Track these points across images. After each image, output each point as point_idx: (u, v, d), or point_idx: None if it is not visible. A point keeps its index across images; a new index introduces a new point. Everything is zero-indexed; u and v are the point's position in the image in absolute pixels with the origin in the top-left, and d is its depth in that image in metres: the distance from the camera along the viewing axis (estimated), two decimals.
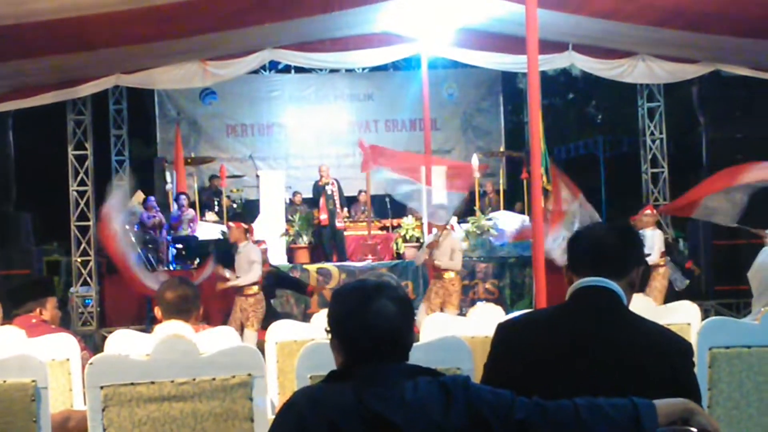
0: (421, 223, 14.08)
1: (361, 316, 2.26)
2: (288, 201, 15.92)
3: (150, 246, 14.46)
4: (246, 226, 10.92)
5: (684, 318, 4.90)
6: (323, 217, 14.55)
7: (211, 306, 11.82)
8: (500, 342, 2.75)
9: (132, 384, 3.54)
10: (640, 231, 12.75)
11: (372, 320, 2.25)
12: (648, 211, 12.47)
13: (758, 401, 3.68)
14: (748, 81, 14.16)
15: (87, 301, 14.19)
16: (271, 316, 10.36)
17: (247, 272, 10.34)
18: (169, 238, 14.73)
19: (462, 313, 9.99)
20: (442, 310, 10.28)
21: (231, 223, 11.11)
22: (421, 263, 12.18)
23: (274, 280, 11.89)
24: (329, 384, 2.26)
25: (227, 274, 10.55)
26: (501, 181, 17.87)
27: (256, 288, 10.42)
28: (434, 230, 11.20)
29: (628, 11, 11.36)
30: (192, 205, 15.34)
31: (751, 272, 4.17)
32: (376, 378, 2.20)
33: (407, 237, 14.54)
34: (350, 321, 2.28)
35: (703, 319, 4.26)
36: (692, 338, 3.94)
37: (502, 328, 2.79)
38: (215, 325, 5.09)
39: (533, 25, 7.51)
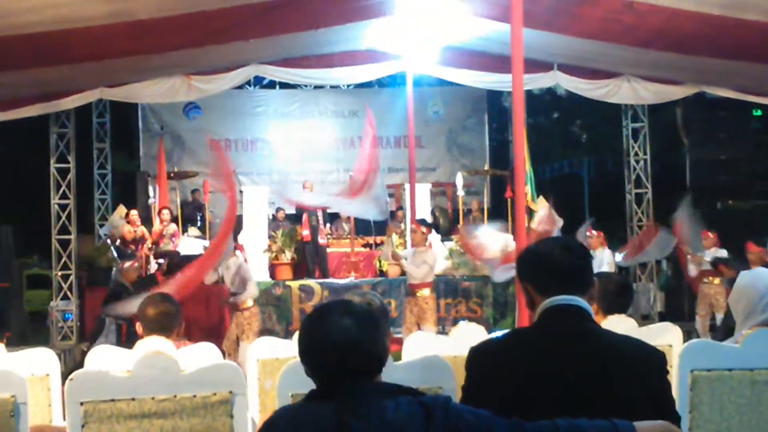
0: (405, 241, 14.06)
1: (312, 334, 2.26)
2: (271, 217, 15.86)
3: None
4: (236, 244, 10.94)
5: (666, 340, 4.88)
6: (306, 233, 14.47)
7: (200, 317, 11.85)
8: (475, 366, 2.71)
9: (112, 400, 3.51)
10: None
11: (323, 336, 2.22)
12: (588, 233, 12.57)
13: (739, 424, 3.68)
14: (732, 103, 14.26)
15: (67, 315, 14.09)
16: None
17: (244, 290, 10.37)
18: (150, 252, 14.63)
19: (443, 332, 9.98)
20: (418, 327, 10.20)
21: None
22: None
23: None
24: (310, 403, 2.24)
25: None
26: (485, 200, 17.86)
27: (250, 302, 10.43)
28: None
29: (613, 32, 11.42)
30: (174, 219, 15.26)
31: (733, 296, 4.14)
32: (357, 397, 2.18)
33: None
34: (304, 340, 2.27)
35: (685, 341, 4.24)
36: (674, 360, 3.93)
37: (476, 351, 2.75)
38: (208, 337, 5.06)
39: (518, 44, 7.52)
